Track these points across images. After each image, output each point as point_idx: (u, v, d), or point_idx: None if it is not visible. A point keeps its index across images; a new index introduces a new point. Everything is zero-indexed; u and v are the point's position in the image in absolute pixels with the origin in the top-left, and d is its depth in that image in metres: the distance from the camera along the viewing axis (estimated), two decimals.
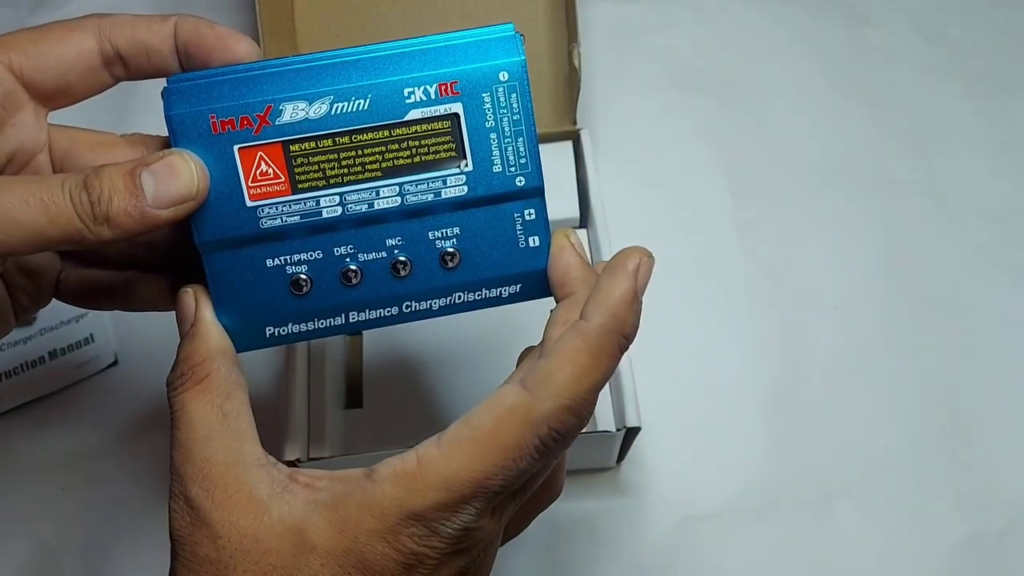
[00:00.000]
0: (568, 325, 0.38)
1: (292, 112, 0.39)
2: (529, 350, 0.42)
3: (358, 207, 0.40)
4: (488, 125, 0.40)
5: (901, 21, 0.80)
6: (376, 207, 0.40)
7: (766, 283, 0.69)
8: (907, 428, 0.64)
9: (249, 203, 0.40)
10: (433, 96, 0.40)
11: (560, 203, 0.66)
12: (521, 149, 0.40)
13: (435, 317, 0.43)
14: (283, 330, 0.42)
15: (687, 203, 0.73)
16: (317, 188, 0.40)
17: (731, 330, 0.68)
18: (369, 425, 0.60)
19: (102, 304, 0.47)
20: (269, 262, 0.41)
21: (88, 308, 0.48)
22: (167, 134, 0.40)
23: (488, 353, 0.62)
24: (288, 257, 0.41)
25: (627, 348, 0.39)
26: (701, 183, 0.74)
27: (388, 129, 0.40)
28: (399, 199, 0.40)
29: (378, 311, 0.42)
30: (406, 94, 0.39)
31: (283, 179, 0.40)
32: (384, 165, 0.40)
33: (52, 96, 0.42)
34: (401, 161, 0.40)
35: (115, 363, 0.67)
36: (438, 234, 0.41)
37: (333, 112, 0.39)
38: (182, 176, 0.38)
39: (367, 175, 0.40)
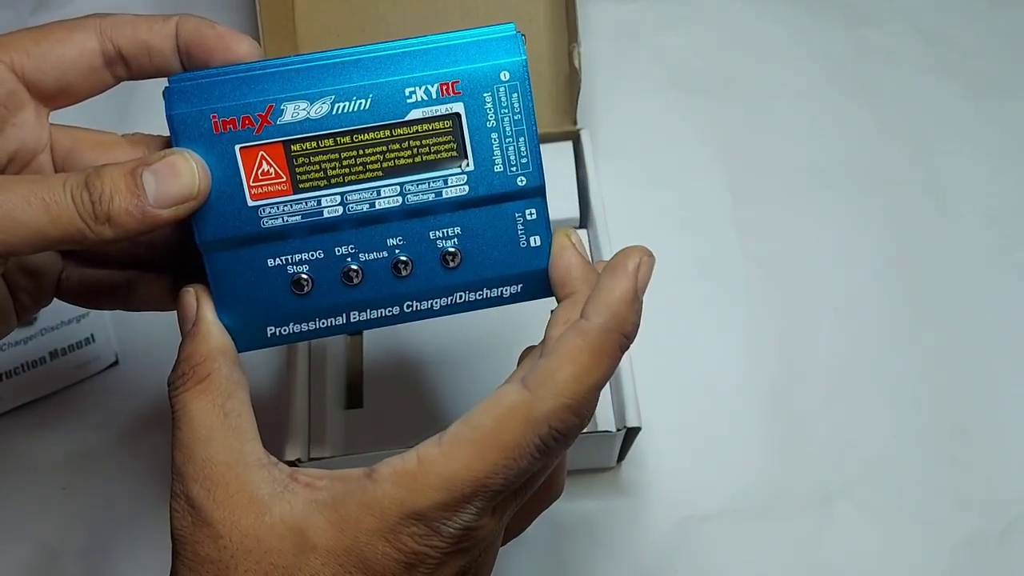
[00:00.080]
0: (569, 324, 0.38)
1: (293, 112, 0.39)
2: (529, 350, 0.42)
3: (359, 207, 0.40)
4: (489, 125, 0.40)
5: (901, 21, 0.81)
6: (377, 207, 0.40)
7: (766, 283, 0.70)
8: (907, 428, 0.64)
9: (250, 203, 0.40)
10: (434, 96, 0.40)
11: (560, 203, 0.66)
12: (522, 149, 0.40)
13: (436, 317, 0.43)
14: (284, 330, 0.42)
15: (687, 203, 0.73)
16: (318, 188, 0.40)
17: (731, 330, 0.68)
18: (369, 425, 0.60)
19: (103, 304, 0.47)
20: (270, 262, 0.41)
21: (90, 308, 0.48)
22: (168, 134, 0.40)
23: (488, 353, 0.62)
24: (289, 257, 0.41)
25: (628, 347, 0.39)
26: (701, 183, 0.74)
27: (389, 129, 0.40)
28: (400, 199, 0.40)
29: (379, 311, 0.42)
30: (407, 94, 0.40)
31: (284, 179, 0.40)
32: (385, 165, 0.40)
33: (54, 96, 0.42)
34: (402, 161, 0.40)
35: (116, 363, 0.67)
36: (439, 234, 0.41)
37: (334, 112, 0.39)
38: (183, 175, 0.38)
39: (368, 175, 0.40)
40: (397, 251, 0.41)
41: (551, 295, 0.42)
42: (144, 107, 0.73)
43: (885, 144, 0.75)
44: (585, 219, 0.66)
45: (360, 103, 0.39)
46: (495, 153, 0.40)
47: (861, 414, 0.64)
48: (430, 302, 0.42)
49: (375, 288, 0.42)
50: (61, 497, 0.64)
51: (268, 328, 0.42)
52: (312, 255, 0.41)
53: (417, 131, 0.40)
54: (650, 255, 0.40)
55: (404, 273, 0.41)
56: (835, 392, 0.65)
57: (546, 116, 0.68)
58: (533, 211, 0.41)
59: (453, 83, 0.40)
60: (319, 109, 0.39)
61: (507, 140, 0.40)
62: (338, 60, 0.39)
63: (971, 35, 0.80)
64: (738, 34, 0.80)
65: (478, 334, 0.62)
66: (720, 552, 0.61)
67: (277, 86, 0.39)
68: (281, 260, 0.41)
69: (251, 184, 0.40)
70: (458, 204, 0.41)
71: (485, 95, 0.40)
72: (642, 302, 0.39)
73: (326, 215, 0.40)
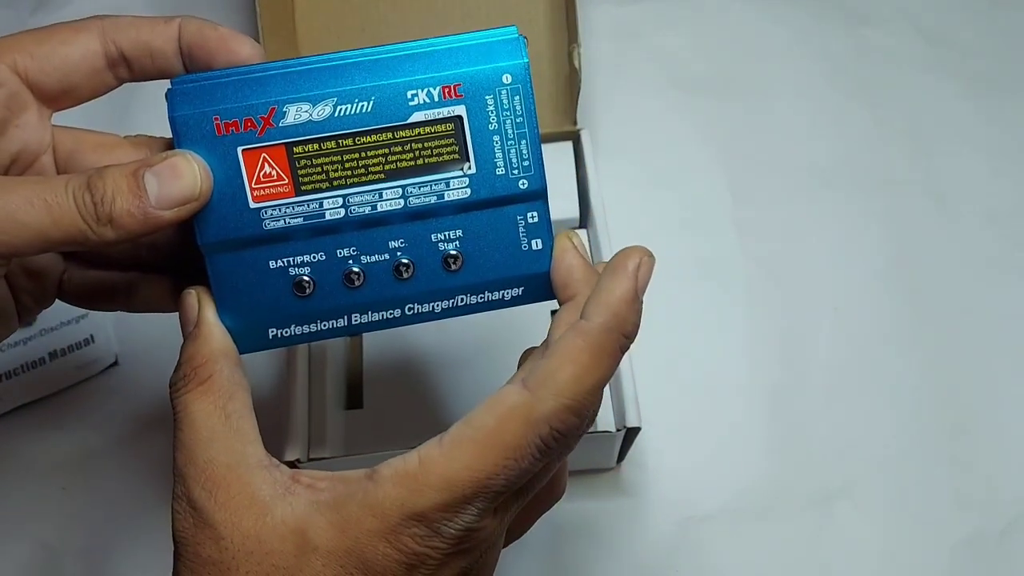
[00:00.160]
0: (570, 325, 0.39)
1: (296, 114, 0.39)
2: (530, 351, 0.42)
3: (361, 209, 0.40)
4: (491, 127, 0.40)
5: (901, 21, 0.81)
6: (379, 209, 0.40)
7: (766, 283, 0.70)
8: (907, 428, 0.64)
9: (252, 205, 0.40)
10: (436, 98, 0.40)
11: (560, 203, 0.66)
12: (524, 152, 0.40)
13: (437, 320, 0.43)
14: (286, 332, 0.42)
15: (687, 203, 0.73)
16: (320, 190, 0.40)
17: (731, 330, 0.68)
18: (370, 426, 0.60)
19: (105, 305, 0.47)
20: (272, 264, 0.41)
21: (91, 309, 0.48)
22: (170, 135, 0.40)
23: (489, 354, 0.62)
24: (291, 259, 0.41)
25: (628, 348, 0.39)
26: (701, 183, 0.74)
27: (391, 131, 0.40)
28: (402, 201, 0.40)
29: (380, 313, 0.42)
30: (409, 96, 0.40)
31: (286, 181, 0.40)
32: (387, 167, 0.40)
33: (56, 97, 0.42)
34: (404, 163, 0.40)
35: (115, 364, 0.67)
36: (441, 236, 0.41)
37: (337, 114, 0.39)
38: (185, 177, 0.38)
39: (370, 177, 0.40)
40: (399, 253, 0.41)
41: (552, 298, 0.42)
42: (144, 108, 0.73)
43: (885, 144, 0.75)
44: (585, 219, 0.66)
45: (362, 105, 0.39)
46: (497, 156, 0.40)
47: (861, 414, 0.65)
48: (431, 305, 0.42)
49: (376, 290, 0.42)
50: (61, 497, 0.64)
51: (270, 330, 0.42)
52: (314, 257, 0.41)
53: (419, 134, 0.40)
54: (650, 255, 0.40)
55: (405, 275, 0.41)
56: (835, 392, 0.65)
57: (546, 116, 0.68)
58: (535, 214, 0.41)
59: (455, 86, 0.40)
60: (321, 111, 0.39)
61: (509, 143, 0.40)
62: (340, 62, 0.39)
63: (971, 35, 0.80)
64: (738, 34, 0.80)
65: (478, 335, 0.62)
66: (720, 552, 0.61)
67: (279, 88, 0.39)
68: (283, 262, 0.41)
69: (253, 186, 0.40)
70: (460, 207, 0.41)
71: (487, 98, 0.40)
72: (642, 302, 0.39)
73: (328, 217, 0.40)
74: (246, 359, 0.42)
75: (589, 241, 0.64)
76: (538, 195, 0.41)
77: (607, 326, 0.38)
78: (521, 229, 0.41)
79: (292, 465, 0.55)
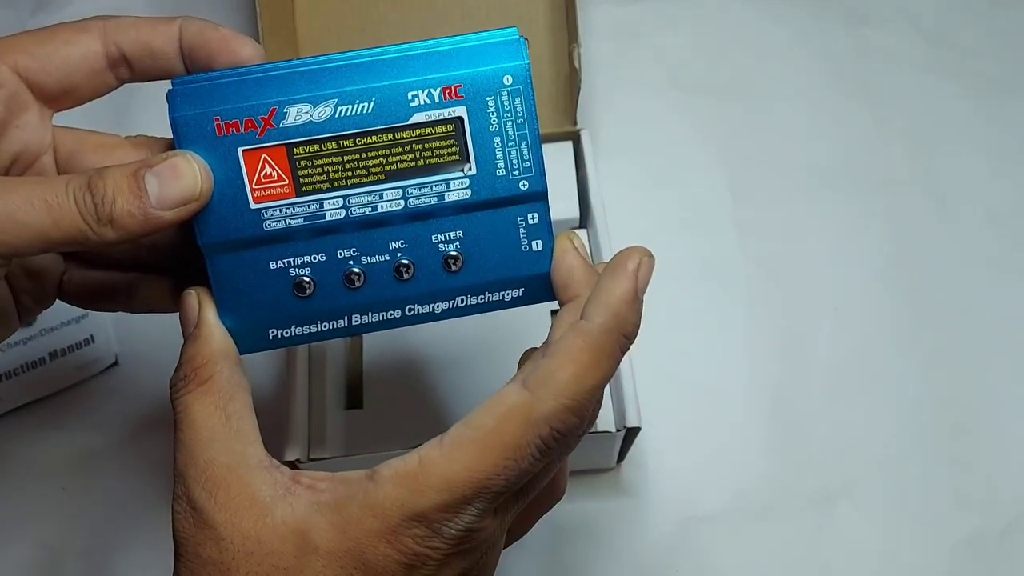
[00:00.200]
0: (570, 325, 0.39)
1: (296, 115, 0.39)
2: (530, 352, 0.42)
3: (361, 210, 0.40)
4: (492, 129, 0.40)
5: (901, 21, 0.80)
6: (379, 210, 0.40)
7: (766, 283, 0.70)
8: (907, 428, 0.64)
9: (253, 205, 0.40)
10: (437, 100, 0.40)
11: (560, 203, 0.65)
12: (525, 153, 0.40)
13: (437, 320, 0.43)
14: (286, 332, 0.42)
15: (687, 203, 0.73)
16: (321, 191, 0.40)
17: (731, 330, 0.68)
18: (370, 426, 0.60)
19: (105, 305, 0.47)
20: (272, 264, 0.41)
21: (91, 309, 0.48)
22: (170, 136, 0.40)
23: (489, 354, 0.62)
24: (291, 259, 0.41)
25: (628, 348, 0.39)
26: (701, 183, 0.74)
27: (392, 132, 0.40)
28: (402, 202, 0.40)
29: (381, 314, 0.42)
30: (410, 97, 0.39)
31: (287, 182, 0.40)
32: (388, 168, 0.40)
33: (57, 98, 0.42)
34: (405, 164, 0.40)
35: (115, 364, 0.67)
36: (441, 237, 0.41)
37: (337, 115, 0.39)
38: (186, 177, 0.38)
39: (371, 178, 0.40)
40: (399, 254, 0.41)
41: (553, 299, 0.42)
42: (145, 108, 0.73)
43: (885, 144, 0.75)
44: (585, 219, 0.66)
45: (363, 106, 0.39)
46: (497, 157, 0.40)
47: (861, 414, 0.65)
48: (431, 306, 0.42)
49: (377, 291, 0.42)
50: (61, 497, 0.64)
51: (270, 330, 0.42)
52: (314, 258, 0.41)
53: (420, 135, 0.40)
54: (650, 255, 0.40)
55: (406, 276, 0.41)
56: (835, 392, 0.65)
57: (546, 116, 0.68)
58: (535, 215, 0.41)
59: (456, 87, 0.40)
60: (322, 112, 0.39)
61: (509, 144, 0.40)
62: (341, 63, 0.39)
63: (971, 35, 0.80)
64: (738, 34, 0.80)
65: (478, 335, 0.62)
66: (720, 552, 0.61)
67: (280, 89, 0.39)
68: (283, 263, 0.41)
69: (254, 187, 0.40)
70: (460, 208, 0.41)
71: (488, 99, 0.40)
72: (642, 302, 0.39)
73: (328, 218, 0.40)
74: (246, 359, 0.42)
75: (589, 241, 0.64)
76: (538, 196, 0.41)
77: (607, 326, 0.38)
78: (521, 230, 0.41)
79: (292, 465, 0.55)
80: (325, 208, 0.40)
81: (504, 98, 0.40)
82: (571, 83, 0.66)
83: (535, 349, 0.41)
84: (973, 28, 0.80)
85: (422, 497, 0.36)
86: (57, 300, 0.47)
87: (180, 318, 0.42)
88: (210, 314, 0.41)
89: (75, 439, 0.65)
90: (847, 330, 0.68)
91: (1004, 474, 0.63)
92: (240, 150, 0.39)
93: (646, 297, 0.39)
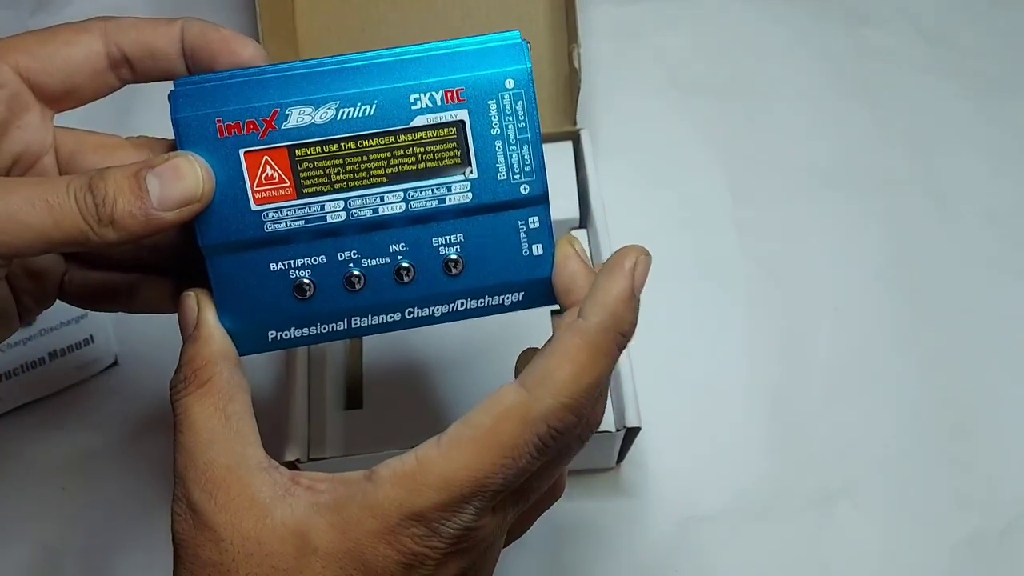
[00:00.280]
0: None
1: (298, 117, 0.39)
2: (528, 352, 0.42)
3: (362, 212, 0.40)
4: (493, 132, 0.40)
5: (901, 21, 0.80)
6: (380, 213, 0.40)
7: (766, 283, 0.70)
8: (907, 428, 0.64)
9: (254, 207, 0.40)
10: (439, 103, 0.40)
11: (560, 203, 0.65)
12: (526, 157, 0.40)
13: (437, 324, 0.43)
14: (286, 334, 0.42)
15: (687, 203, 0.73)
16: (322, 193, 0.40)
17: (731, 330, 0.68)
18: (369, 426, 0.60)
19: (106, 306, 0.47)
20: (273, 266, 0.41)
21: (92, 310, 0.48)
22: (172, 137, 0.40)
23: (488, 355, 0.61)
24: (292, 261, 0.41)
25: (625, 346, 0.39)
26: (701, 183, 0.74)
27: (394, 135, 0.40)
28: (403, 205, 0.40)
29: (381, 317, 0.42)
30: (412, 100, 0.39)
31: (288, 183, 0.40)
32: (389, 171, 0.40)
33: (58, 98, 0.42)
34: (406, 167, 0.40)
35: (115, 364, 0.67)
36: (442, 241, 0.41)
37: (339, 117, 0.39)
38: (187, 178, 0.38)
39: (372, 181, 0.40)
40: (399, 257, 0.41)
41: (553, 303, 0.42)
42: (146, 109, 0.73)
43: (885, 144, 0.75)
44: (585, 219, 0.66)
45: (365, 109, 0.39)
46: (499, 161, 0.40)
47: (861, 414, 0.65)
48: (431, 309, 0.42)
49: (377, 294, 0.42)
50: (61, 497, 0.64)
51: (270, 332, 0.42)
52: (315, 260, 0.41)
53: (421, 138, 0.40)
54: (646, 254, 0.40)
55: (406, 279, 0.41)
56: (835, 392, 0.65)
57: (546, 116, 0.67)
58: (536, 219, 0.41)
59: (458, 90, 0.39)
60: (324, 114, 0.39)
61: (511, 148, 0.40)
62: (343, 66, 0.39)
63: (971, 35, 0.80)
64: (738, 34, 0.80)
65: (478, 336, 0.62)
66: (720, 552, 0.61)
67: (282, 91, 0.39)
68: (284, 264, 0.41)
69: (255, 188, 0.40)
70: (461, 211, 0.41)
71: (489, 102, 0.40)
72: (639, 301, 0.39)
73: (329, 220, 0.40)
74: (246, 360, 0.42)
75: (589, 241, 0.64)
76: (539, 200, 0.41)
77: (604, 325, 0.38)
78: (522, 234, 0.41)
79: (292, 466, 0.55)
80: (326, 210, 0.40)
81: (506, 102, 0.40)
82: (571, 83, 0.66)
83: (532, 349, 0.41)
84: (973, 28, 0.80)
85: (420, 496, 0.36)
86: (57, 300, 0.47)
87: (179, 320, 0.42)
88: (209, 315, 0.41)
89: (75, 439, 0.65)
90: (847, 330, 0.68)
91: (1004, 474, 0.63)
92: (242, 151, 0.39)
93: (646, 297, 0.39)
